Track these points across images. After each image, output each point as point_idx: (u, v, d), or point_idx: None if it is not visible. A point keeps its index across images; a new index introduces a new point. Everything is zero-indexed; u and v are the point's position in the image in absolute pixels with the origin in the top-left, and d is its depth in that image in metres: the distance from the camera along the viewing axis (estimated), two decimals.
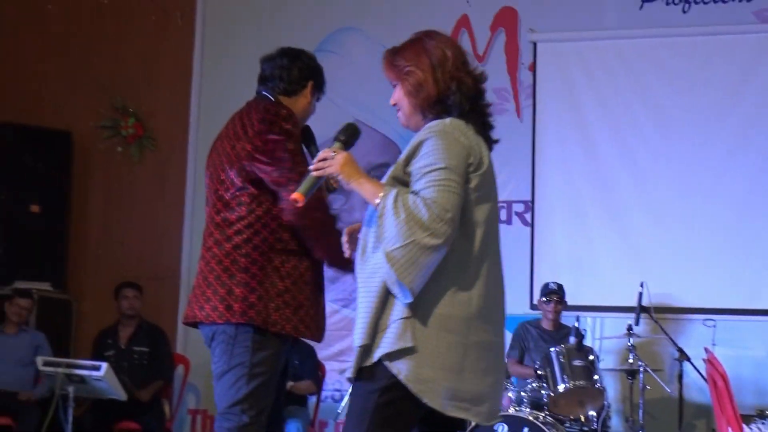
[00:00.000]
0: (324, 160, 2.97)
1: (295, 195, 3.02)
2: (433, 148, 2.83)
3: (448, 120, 2.89)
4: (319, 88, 3.88)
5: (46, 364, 6.33)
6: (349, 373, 2.86)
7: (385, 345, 2.78)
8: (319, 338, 3.73)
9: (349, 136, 3.13)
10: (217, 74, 8.30)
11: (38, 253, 8.08)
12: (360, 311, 2.85)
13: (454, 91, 2.92)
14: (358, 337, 2.82)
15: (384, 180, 2.91)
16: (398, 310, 2.79)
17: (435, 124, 2.89)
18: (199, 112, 8.40)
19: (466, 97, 2.93)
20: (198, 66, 8.49)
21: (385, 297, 2.80)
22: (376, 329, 2.80)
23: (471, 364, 2.82)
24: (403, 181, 2.88)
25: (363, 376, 2.83)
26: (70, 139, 8.53)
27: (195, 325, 3.67)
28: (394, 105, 3.05)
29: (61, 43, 8.85)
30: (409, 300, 2.76)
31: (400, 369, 2.76)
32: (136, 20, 8.76)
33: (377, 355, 2.78)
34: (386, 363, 2.77)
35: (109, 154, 8.66)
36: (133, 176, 8.61)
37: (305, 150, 3.76)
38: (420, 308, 2.78)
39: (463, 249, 2.85)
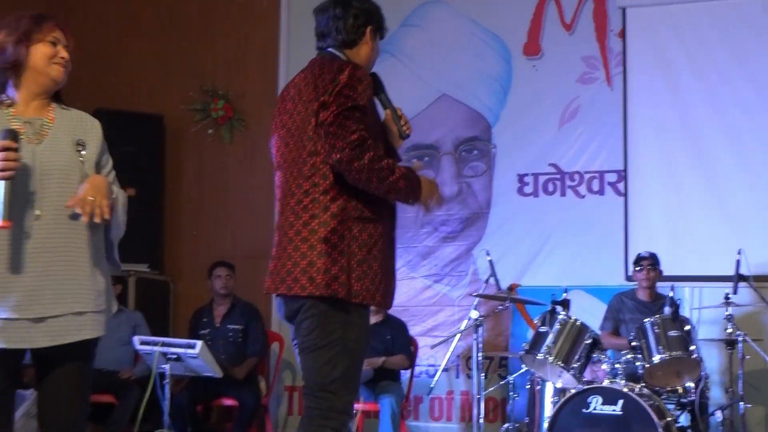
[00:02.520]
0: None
1: (4, 223, 3.04)
2: None
3: None
4: (379, 29, 3.72)
5: (143, 343, 6.43)
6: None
7: None
8: (389, 305, 3.59)
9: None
10: (303, 52, 8.13)
11: (135, 236, 8.18)
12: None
13: None
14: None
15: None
16: None
17: None
18: None
19: None
20: (284, 45, 8.54)
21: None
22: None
23: None
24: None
25: None
26: (163, 122, 8.69)
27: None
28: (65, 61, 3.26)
29: (151, 29, 9.02)
30: None
31: None
32: (222, 4, 8.86)
33: None
34: None
35: (201, 137, 8.80)
36: (225, 157, 8.73)
37: (375, 99, 3.62)
38: None
39: None
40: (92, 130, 3.30)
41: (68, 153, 3.18)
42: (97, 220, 3.07)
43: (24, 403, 5.36)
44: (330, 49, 3.65)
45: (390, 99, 3.66)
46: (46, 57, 3.19)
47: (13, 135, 3.02)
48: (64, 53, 3.23)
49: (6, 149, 2.98)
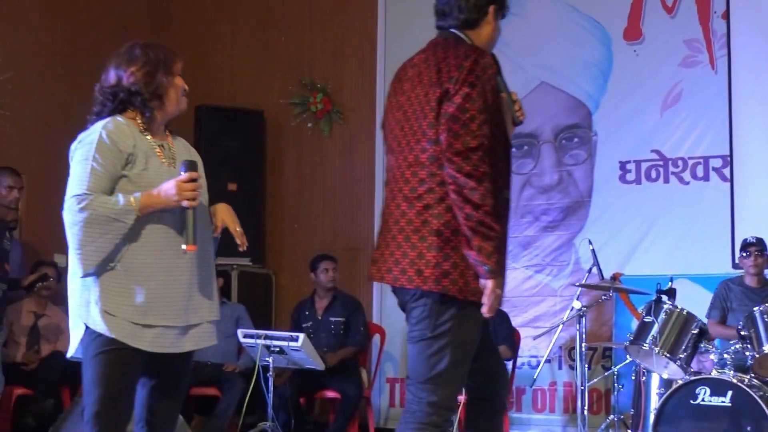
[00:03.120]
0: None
1: (190, 247, 3.25)
2: None
3: None
4: (501, 8, 3.55)
5: (246, 336, 6.52)
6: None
7: None
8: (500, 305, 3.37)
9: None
10: (401, 45, 8.27)
11: None
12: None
13: None
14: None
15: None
16: None
17: None
18: (384, 83, 8.41)
19: None
20: (382, 38, 8.55)
21: None
22: None
23: None
24: None
25: None
26: (263, 117, 8.79)
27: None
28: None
29: (250, 25, 9.14)
30: None
31: None
32: None
33: None
34: None
35: (300, 130, 8.87)
36: (324, 150, 8.79)
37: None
38: None
39: None
40: (197, 158, 3.44)
41: None
42: (242, 249, 3.41)
43: None
44: (453, 30, 3.49)
45: (506, 83, 3.49)
46: (180, 89, 3.32)
47: (194, 166, 3.22)
48: (185, 85, 3.34)
49: (193, 180, 3.19)
